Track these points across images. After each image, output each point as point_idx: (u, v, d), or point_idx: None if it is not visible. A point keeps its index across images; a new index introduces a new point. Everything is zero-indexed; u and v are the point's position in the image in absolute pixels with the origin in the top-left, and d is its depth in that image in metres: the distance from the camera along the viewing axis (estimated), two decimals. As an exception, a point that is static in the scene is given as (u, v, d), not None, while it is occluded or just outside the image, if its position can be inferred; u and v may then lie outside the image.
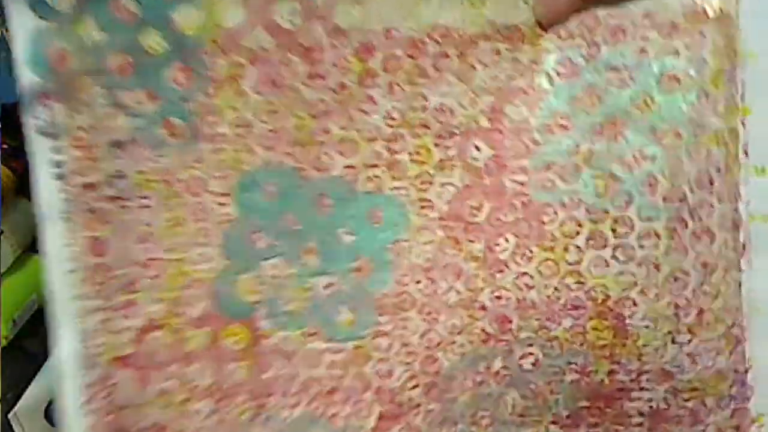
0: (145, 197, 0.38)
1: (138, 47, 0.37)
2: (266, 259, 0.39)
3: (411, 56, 0.38)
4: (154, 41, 0.37)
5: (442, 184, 0.39)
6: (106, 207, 0.38)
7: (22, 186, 0.57)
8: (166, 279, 0.38)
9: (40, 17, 0.38)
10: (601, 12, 0.38)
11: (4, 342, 0.53)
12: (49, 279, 0.40)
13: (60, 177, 0.38)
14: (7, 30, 0.47)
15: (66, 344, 0.39)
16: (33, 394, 0.52)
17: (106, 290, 0.38)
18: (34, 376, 0.53)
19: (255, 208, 0.38)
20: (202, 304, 0.38)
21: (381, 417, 0.39)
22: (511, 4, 0.37)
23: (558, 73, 0.38)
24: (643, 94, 0.39)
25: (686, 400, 0.40)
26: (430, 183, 0.39)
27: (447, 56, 0.38)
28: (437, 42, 0.38)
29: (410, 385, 0.40)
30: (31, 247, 0.58)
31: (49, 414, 0.52)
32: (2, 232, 0.54)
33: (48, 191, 0.39)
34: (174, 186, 0.38)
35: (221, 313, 0.38)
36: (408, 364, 0.39)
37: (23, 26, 0.38)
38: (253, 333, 0.38)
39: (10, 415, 0.50)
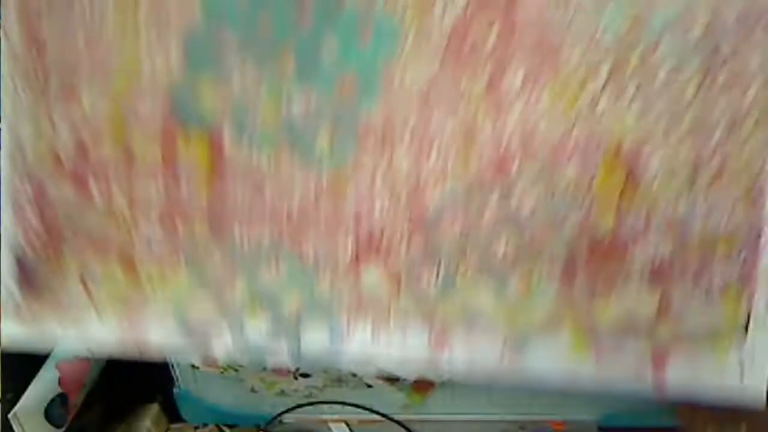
0: None
1: None
2: (233, 62, 0.34)
3: None
4: None
5: (445, 5, 0.34)
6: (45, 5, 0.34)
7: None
8: (113, 77, 0.34)
9: None
10: None
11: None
12: None
13: None
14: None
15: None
16: (33, 394, 0.52)
17: (44, 86, 0.34)
18: (33, 376, 0.53)
19: (222, 3, 0.33)
20: (156, 112, 0.34)
21: (357, 252, 0.36)
22: None
23: None
24: None
25: (694, 255, 0.36)
26: (432, 3, 0.34)
27: None
28: None
29: (392, 219, 0.36)
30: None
31: (49, 414, 0.52)
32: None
33: None
34: None
35: (179, 123, 0.34)
36: (391, 197, 0.36)
37: None
38: (215, 149, 0.34)
39: (10, 416, 0.50)
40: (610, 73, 0.35)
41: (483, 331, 0.37)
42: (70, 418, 0.55)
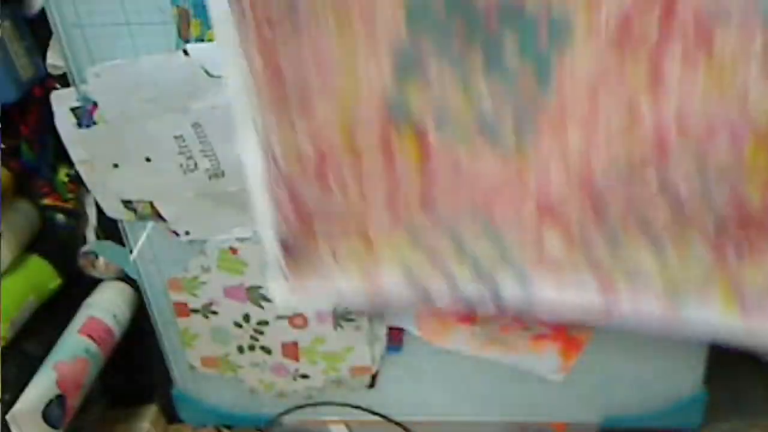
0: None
1: None
2: (433, 66, 0.40)
3: None
4: None
5: (609, 2, 0.37)
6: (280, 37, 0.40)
7: (20, 186, 0.57)
8: (339, 91, 0.41)
9: None
10: None
11: (2, 342, 0.53)
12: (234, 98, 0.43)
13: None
14: (3, 29, 0.47)
15: (252, 161, 0.44)
16: (31, 395, 0.52)
17: (286, 106, 0.41)
18: (32, 377, 0.53)
19: (423, 16, 0.39)
20: (374, 116, 0.41)
21: (539, 216, 0.43)
22: None
23: None
24: None
25: None
26: (600, 2, 0.37)
27: None
28: None
29: (566, 190, 0.42)
30: (29, 247, 0.58)
31: (47, 415, 0.52)
32: (1, 233, 0.53)
33: (223, 19, 0.41)
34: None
35: (392, 124, 0.41)
36: (565, 172, 0.41)
37: None
38: (422, 142, 0.42)
39: (8, 417, 0.50)
40: (762, 53, 0.36)
41: (644, 286, 0.43)
42: (68, 419, 0.54)
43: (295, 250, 0.46)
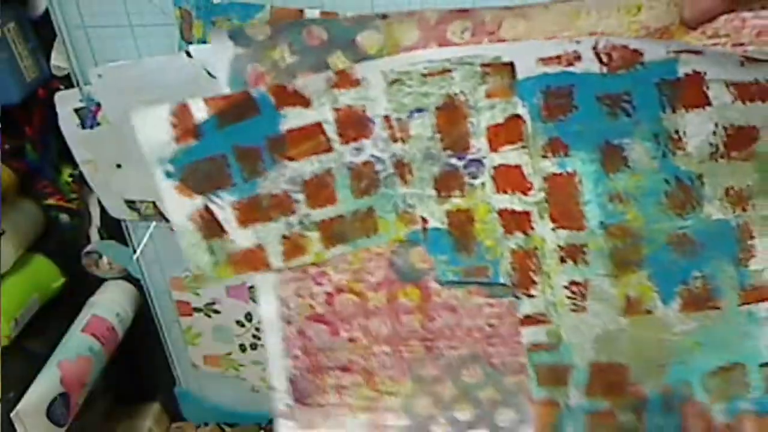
0: None
1: (325, 66, 0.41)
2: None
3: None
4: (339, 60, 0.41)
5: None
6: None
7: (24, 186, 0.57)
8: (350, 255, 0.44)
9: (238, 45, 0.42)
10: (748, 14, 0.37)
11: (5, 341, 0.53)
12: None
13: None
14: (8, 30, 0.48)
15: (267, 307, 0.46)
16: (35, 393, 0.52)
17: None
18: (35, 375, 0.53)
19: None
20: (381, 272, 0.44)
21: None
22: (663, 9, 0.38)
23: None
24: None
25: None
26: None
27: None
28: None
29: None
30: (32, 247, 0.58)
31: (50, 413, 0.52)
32: (3, 232, 0.54)
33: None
34: None
35: (398, 278, 0.44)
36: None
37: (223, 53, 0.42)
38: (424, 292, 0.44)
39: (12, 415, 0.50)
40: None
41: None
42: (71, 417, 0.55)
43: (301, 387, 0.47)
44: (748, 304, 0.39)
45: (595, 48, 0.37)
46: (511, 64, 0.37)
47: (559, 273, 0.41)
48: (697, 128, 0.36)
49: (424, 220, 0.42)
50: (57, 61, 0.51)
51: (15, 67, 0.48)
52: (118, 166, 0.52)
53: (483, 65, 0.38)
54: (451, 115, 0.39)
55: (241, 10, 0.42)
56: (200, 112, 0.41)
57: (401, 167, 0.41)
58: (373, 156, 0.41)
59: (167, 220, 0.55)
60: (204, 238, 0.44)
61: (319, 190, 0.41)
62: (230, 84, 0.41)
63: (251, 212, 0.42)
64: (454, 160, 0.40)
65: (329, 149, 0.41)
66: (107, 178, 0.53)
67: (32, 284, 0.57)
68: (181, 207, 0.43)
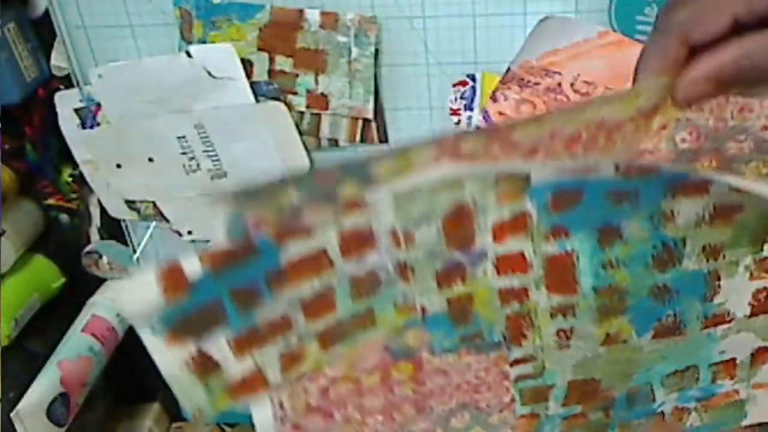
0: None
1: (334, 198, 0.41)
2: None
3: (566, 147, 0.39)
4: (350, 188, 0.40)
5: None
6: None
7: (24, 186, 0.57)
8: (344, 356, 0.44)
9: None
10: (733, 91, 0.38)
11: (5, 341, 0.53)
12: None
13: None
14: (8, 30, 0.48)
15: (260, 415, 0.45)
16: (35, 393, 0.52)
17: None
18: (36, 375, 0.53)
19: None
20: (376, 357, 0.44)
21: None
22: (657, 91, 0.38)
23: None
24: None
25: None
26: None
27: (595, 140, 0.39)
28: (591, 132, 0.39)
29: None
30: (32, 247, 0.58)
31: (50, 413, 0.52)
32: (4, 232, 0.54)
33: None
34: None
35: (391, 358, 0.44)
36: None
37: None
38: (416, 364, 0.44)
39: (12, 415, 0.50)
40: None
41: None
42: (71, 417, 0.55)
43: None
44: (707, 328, 0.42)
45: (617, 168, 0.37)
46: (527, 177, 0.38)
47: (548, 325, 0.42)
48: (690, 209, 0.39)
49: (424, 309, 0.41)
50: (57, 61, 0.51)
51: (15, 67, 0.49)
52: (118, 166, 0.52)
53: (497, 175, 0.37)
54: (459, 220, 0.38)
55: (241, 10, 0.42)
56: (193, 268, 0.36)
57: (404, 270, 0.40)
58: (376, 265, 0.40)
59: (167, 220, 0.55)
60: (200, 380, 0.40)
61: (318, 304, 0.40)
62: (229, 233, 0.40)
63: (249, 342, 0.39)
64: (457, 255, 0.40)
65: (331, 267, 0.38)
66: (107, 178, 0.53)
67: (32, 284, 0.57)
68: (171, 356, 0.37)
